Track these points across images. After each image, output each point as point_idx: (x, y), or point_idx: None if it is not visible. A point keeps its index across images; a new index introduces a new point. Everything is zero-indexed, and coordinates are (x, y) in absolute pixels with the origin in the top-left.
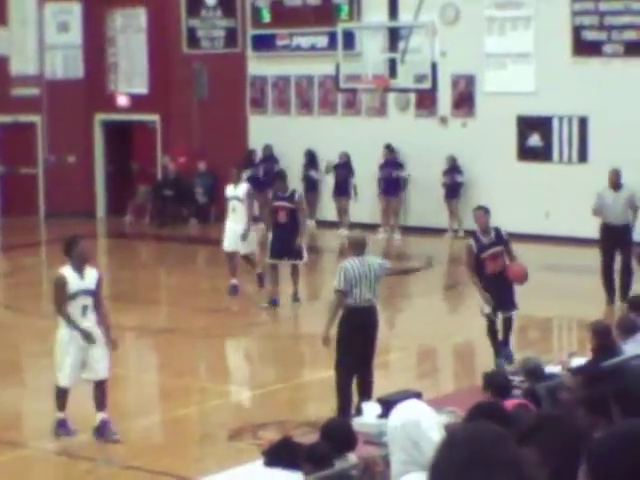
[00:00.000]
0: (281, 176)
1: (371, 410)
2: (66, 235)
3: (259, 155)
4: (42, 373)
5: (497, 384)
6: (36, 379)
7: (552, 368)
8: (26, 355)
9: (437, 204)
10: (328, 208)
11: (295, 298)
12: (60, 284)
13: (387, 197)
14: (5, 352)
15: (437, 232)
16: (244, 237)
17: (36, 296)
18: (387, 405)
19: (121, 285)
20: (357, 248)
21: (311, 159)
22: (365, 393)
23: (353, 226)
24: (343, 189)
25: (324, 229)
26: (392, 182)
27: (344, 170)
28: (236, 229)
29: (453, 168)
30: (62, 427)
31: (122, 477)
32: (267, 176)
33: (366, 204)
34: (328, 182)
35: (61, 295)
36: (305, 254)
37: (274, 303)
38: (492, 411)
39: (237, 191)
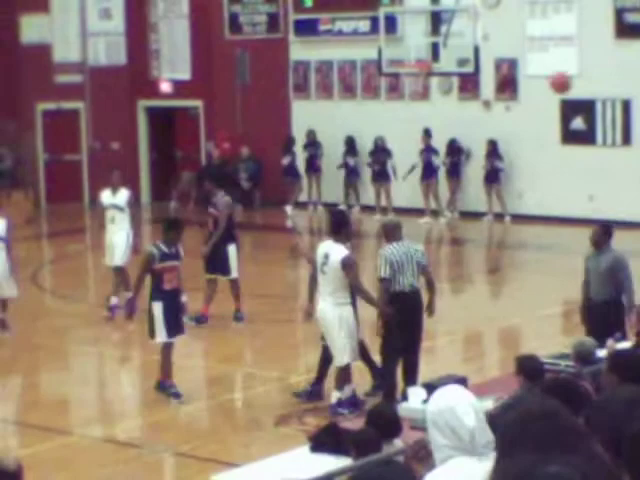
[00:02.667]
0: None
1: (416, 395)
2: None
3: (300, 141)
4: (88, 360)
5: (529, 368)
6: (82, 366)
7: (601, 352)
8: (72, 342)
9: (477, 188)
10: (369, 193)
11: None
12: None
13: (427, 181)
14: (50, 339)
15: (477, 216)
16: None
17: (81, 283)
18: (432, 390)
19: None
20: (394, 233)
21: (351, 146)
22: (410, 378)
23: (390, 211)
24: (382, 174)
25: (367, 214)
26: (432, 167)
27: (381, 154)
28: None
29: (493, 153)
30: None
31: (169, 463)
32: (311, 161)
33: (407, 189)
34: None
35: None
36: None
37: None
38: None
39: (116, 199)
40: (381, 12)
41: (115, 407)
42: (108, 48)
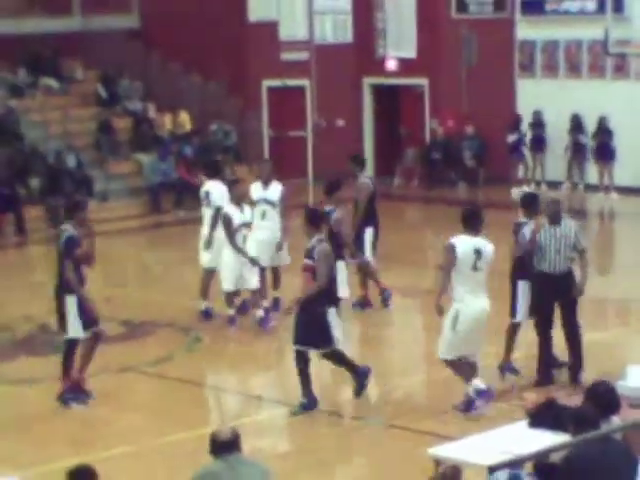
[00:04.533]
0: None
1: (636, 374)
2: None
3: (525, 120)
4: None
5: (601, 398)
6: None
7: None
8: None
9: None
10: (592, 172)
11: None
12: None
13: None
14: None
15: None
16: (279, 247)
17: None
18: None
19: (389, 246)
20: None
21: (577, 124)
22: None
23: (612, 190)
24: (605, 153)
25: (590, 192)
26: None
27: (605, 135)
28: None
29: None
30: None
31: (386, 436)
32: (536, 142)
33: (632, 168)
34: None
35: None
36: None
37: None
38: None
39: (268, 192)
40: None
41: (334, 378)
42: (334, 26)
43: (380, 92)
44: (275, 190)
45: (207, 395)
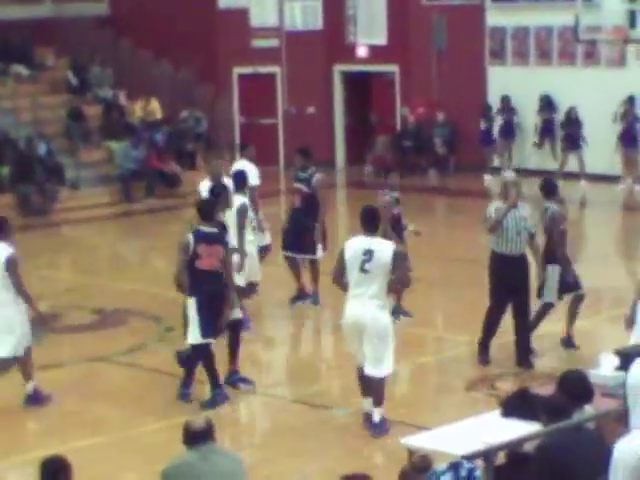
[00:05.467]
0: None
1: (609, 362)
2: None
3: (495, 107)
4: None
5: (573, 387)
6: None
7: None
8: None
9: None
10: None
11: (314, 300)
12: None
13: (625, 149)
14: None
15: None
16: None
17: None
18: (626, 358)
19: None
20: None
21: (547, 102)
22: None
23: (583, 178)
24: (574, 142)
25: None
26: (631, 135)
27: (574, 126)
28: None
29: None
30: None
31: (358, 426)
32: (506, 127)
33: (602, 156)
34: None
35: None
36: (320, 249)
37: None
38: None
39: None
40: None
41: (305, 369)
42: (305, 13)
43: (351, 79)
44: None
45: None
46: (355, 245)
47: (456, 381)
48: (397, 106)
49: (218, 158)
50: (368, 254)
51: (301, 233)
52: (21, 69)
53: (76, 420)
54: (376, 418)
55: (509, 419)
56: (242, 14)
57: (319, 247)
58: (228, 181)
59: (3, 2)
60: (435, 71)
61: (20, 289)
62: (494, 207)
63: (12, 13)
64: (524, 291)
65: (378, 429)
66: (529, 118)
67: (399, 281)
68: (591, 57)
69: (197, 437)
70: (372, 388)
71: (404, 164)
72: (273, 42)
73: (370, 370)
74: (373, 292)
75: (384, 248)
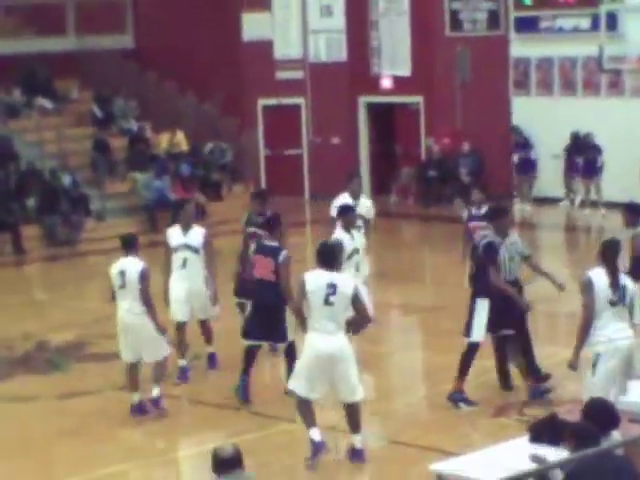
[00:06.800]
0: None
1: (636, 388)
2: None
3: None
4: None
5: (598, 415)
6: None
7: None
8: None
9: None
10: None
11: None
12: None
13: None
14: None
15: None
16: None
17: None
18: None
19: (386, 263)
20: None
21: (576, 142)
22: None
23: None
24: (591, 169)
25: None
26: None
27: (591, 150)
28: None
29: None
30: None
31: (389, 452)
32: (524, 158)
33: (625, 184)
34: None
35: None
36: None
37: None
38: None
39: (360, 209)
40: (602, 9)
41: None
42: (328, 45)
43: (375, 110)
44: (365, 205)
45: (209, 412)
46: (317, 278)
47: (484, 407)
48: (421, 136)
49: (357, 176)
50: (332, 287)
51: None
52: (45, 102)
53: (106, 447)
54: (359, 445)
55: (537, 445)
56: (266, 46)
57: None
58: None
59: (27, 35)
60: (459, 102)
61: (148, 302)
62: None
63: (36, 46)
64: (521, 315)
65: (361, 456)
66: (551, 147)
67: (359, 320)
68: (615, 87)
69: (226, 464)
70: (352, 416)
71: (429, 194)
72: (297, 74)
73: (349, 398)
74: (338, 324)
75: (347, 283)
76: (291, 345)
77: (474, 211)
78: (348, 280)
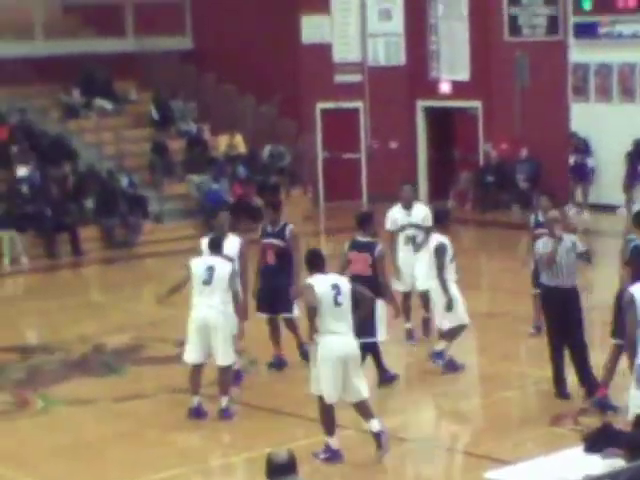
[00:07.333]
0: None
1: None
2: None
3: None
4: None
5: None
6: None
7: None
8: None
9: None
10: None
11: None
12: None
13: None
14: None
15: None
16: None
17: None
18: None
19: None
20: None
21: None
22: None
23: None
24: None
25: None
26: None
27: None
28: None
29: None
30: None
31: (444, 459)
32: (581, 163)
33: None
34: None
35: None
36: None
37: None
38: None
39: (412, 216)
40: None
41: (390, 402)
42: (387, 48)
43: (433, 114)
44: (420, 212)
45: (264, 417)
46: (322, 282)
47: (539, 416)
48: (480, 142)
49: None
50: (336, 288)
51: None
52: (104, 103)
53: (160, 451)
54: (378, 427)
55: (592, 454)
56: (325, 49)
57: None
58: None
59: (86, 36)
60: (518, 107)
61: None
62: (541, 243)
63: (95, 47)
64: (577, 322)
65: (385, 437)
66: (611, 154)
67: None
68: None
69: (279, 470)
70: (363, 409)
71: (486, 200)
72: (356, 77)
73: (360, 396)
74: (349, 324)
75: (344, 281)
76: (376, 344)
77: (541, 217)
78: (343, 278)
